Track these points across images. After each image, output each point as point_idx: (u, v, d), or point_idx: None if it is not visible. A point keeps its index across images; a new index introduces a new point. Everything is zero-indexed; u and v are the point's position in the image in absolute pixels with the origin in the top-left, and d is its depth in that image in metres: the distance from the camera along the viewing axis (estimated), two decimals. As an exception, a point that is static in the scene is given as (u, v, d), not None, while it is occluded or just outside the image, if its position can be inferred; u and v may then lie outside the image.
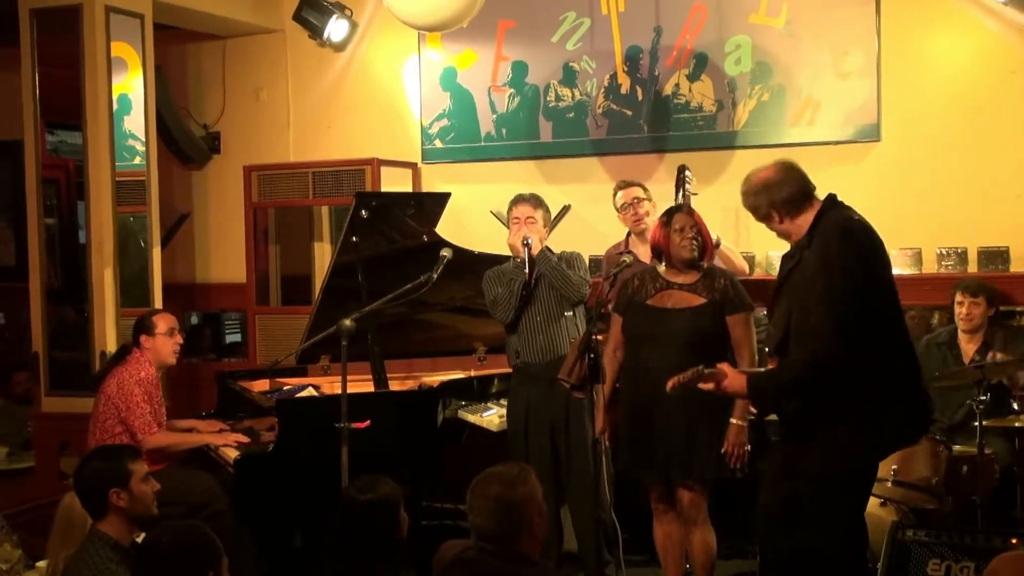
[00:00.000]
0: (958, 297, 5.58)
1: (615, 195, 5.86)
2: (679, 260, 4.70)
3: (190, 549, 3.13)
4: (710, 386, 3.94)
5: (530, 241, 5.13)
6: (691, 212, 4.76)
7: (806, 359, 3.78)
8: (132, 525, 3.65)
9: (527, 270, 5.12)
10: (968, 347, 5.52)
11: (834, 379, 3.74)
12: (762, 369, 4.33)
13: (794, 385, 3.85)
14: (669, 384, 3.97)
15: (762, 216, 4.02)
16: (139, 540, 3.65)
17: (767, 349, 4.03)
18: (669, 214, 4.76)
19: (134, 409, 5.24)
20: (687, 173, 5.77)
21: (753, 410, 4.49)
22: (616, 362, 4.81)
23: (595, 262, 6.29)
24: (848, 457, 3.84)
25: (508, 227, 5.34)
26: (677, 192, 5.74)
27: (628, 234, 5.90)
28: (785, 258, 4.07)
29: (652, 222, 5.48)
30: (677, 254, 4.69)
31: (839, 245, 3.80)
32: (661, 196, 5.94)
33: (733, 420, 4.53)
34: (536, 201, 5.30)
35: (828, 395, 3.77)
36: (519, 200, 5.31)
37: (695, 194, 5.75)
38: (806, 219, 3.94)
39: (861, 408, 3.78)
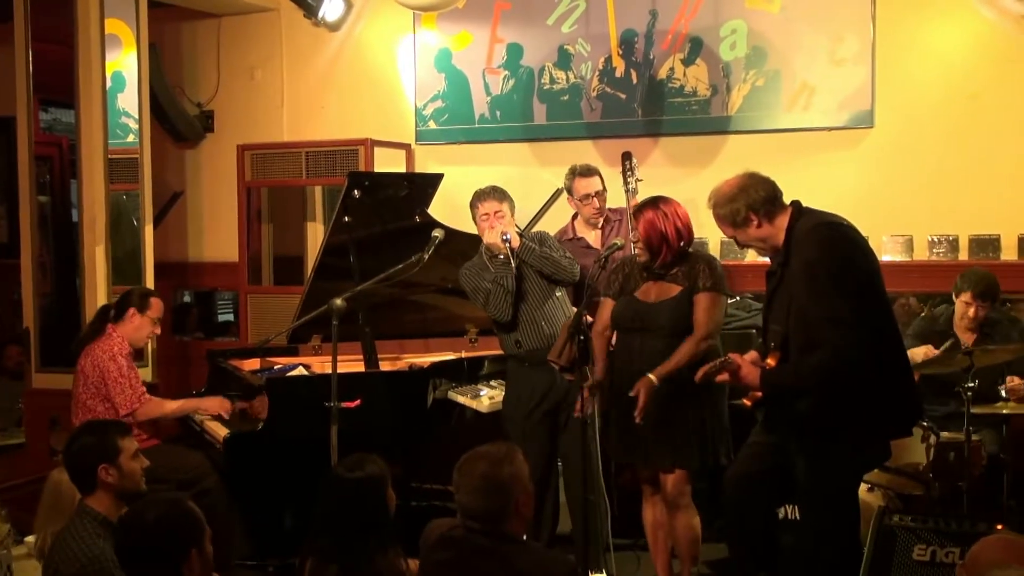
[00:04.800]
0: (966, 298, 5.39)
1: (572, 180, 5.77)
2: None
3: (173, 525, 3.11)
4: (725, 376, 3.97)
5: (508, 236, 5.06)
6: (643, 214, 4.62)
7: (822, 365, 3.79)
8: (120, 501, 3.66)
9: (514, 266, 5.06)
10: (966, 338, 5.48)
11: (847, 381, 3.79)
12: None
13: (805, 385, 3.85)
14: (698, 375, 4.03)
15: (740, 222, 3.97)
16: None
17: (773, 344, 4.01)
18: (636, 213, 4.70)
19: (113, 386, 5.22)
20: (633, 160, 5.79)
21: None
22: (604, 340, 4.81)
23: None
24: (849, 470, 3.98)
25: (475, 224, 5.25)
26: (624, 180, 5.75)
27: (573, 217, 5.90)
28: (768, 275, 4.08)
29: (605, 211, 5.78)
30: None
31: (819, 255, 3.81)
32: (653, 180, 5.95)
33: (650, 375, 4.46)
34: (499, 194, 5.20)
35: (835, 396, 3.81)
36: (482, 197, 5.19)
37: (640, 180, 5.77)
38: (782, 221, 3.95)
39: (863, 412, 3.83)
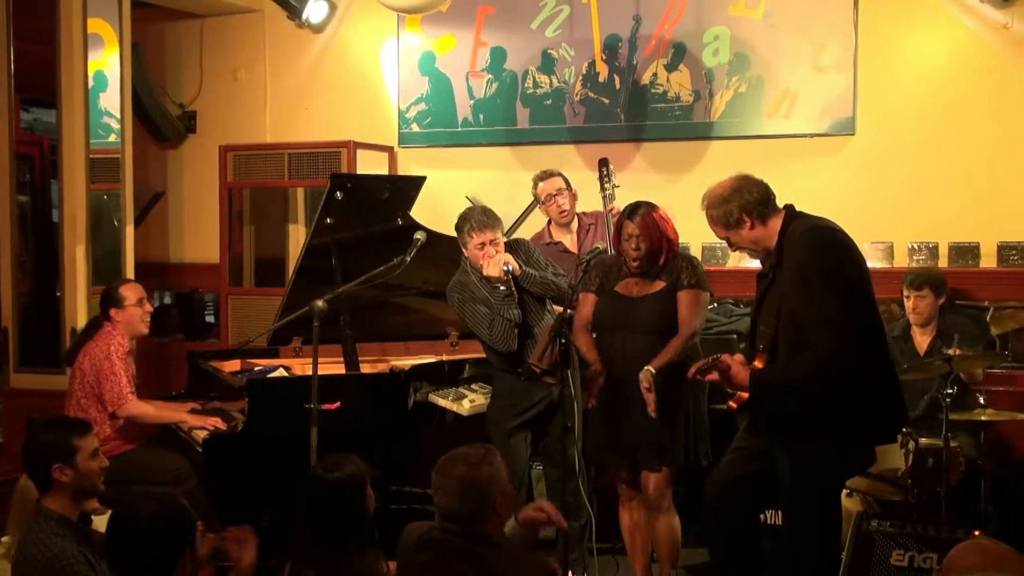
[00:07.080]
0: (904, 291, 5.53)
1: (535, 186, 5.93)
2: (627, 267, 4.70)
3: (168, 524, 3.08)
4: (715, 376, 3.98)
5: (511, 267, 4.88)
6: (646, 218, 4.61)
7: (813, 365, 3.80)
8: (78, 499, 3.60)
9: (517, 298, 4.92)
10: (921, 340, 5.52)
11: (836, 383, 3.80)
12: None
13: (795, 385, 3.87)
14: (691, 371, 4.03)
15: (733, 223, 3.98)
16: (87, 509, 3.63)
17: (762, 346, 4.01)
18: (623, 217, 4.68)
19: (103, 382, 5.21)
20: (610, 167, 5.85)
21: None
22: (588, 335, 4.77)
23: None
24: (833, 474, 4.00)
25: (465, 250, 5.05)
26: (602, 186, 5.80)
27: (549, 222, 5.95)
28: (759, 277, 4.09)
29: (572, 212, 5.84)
30: (625, 261, 4.70)
31: (811, 257, 3.83)
32: (635, 185, 5.97)
33: (648, 367, 4.46)
34: (493, 220, 4.97)
35: (823, 397, 3.83)
36: (477, 226, 4.92)
37: (617, 186, 5.83)
38: (775, 224, 3.97)
39: (850, 415, 3.84)
